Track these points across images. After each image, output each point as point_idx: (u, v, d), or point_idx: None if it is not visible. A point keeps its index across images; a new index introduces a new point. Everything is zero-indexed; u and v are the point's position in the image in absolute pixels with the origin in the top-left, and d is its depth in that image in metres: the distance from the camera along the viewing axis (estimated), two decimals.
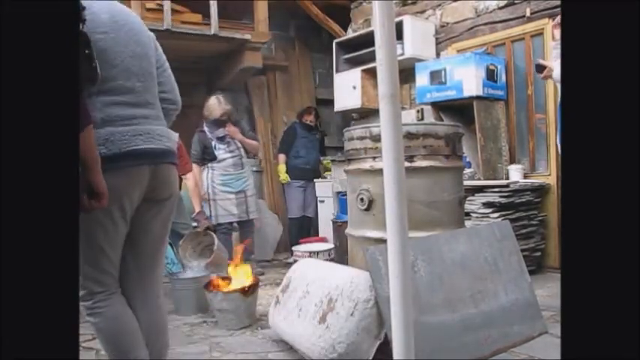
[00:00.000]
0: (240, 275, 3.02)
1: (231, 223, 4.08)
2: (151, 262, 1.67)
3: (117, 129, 1.49)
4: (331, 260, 3.63)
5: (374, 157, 2.44)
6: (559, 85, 2.97)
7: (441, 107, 4.22)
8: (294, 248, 4.11)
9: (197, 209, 3.69)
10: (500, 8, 4.12)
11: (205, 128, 4.03)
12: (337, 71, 5.15)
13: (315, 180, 5.17)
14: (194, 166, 3.96)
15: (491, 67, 3.96)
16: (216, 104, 3.95)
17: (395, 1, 4.86)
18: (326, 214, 4.97)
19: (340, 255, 3.88)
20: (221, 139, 4.03)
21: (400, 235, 1.08)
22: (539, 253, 3.78)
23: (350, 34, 5.28)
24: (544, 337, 2.33)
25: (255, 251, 4.44)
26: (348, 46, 5.08)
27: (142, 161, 1.53)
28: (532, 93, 3.97)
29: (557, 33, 3.52)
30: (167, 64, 1.78)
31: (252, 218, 4.16)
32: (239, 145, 4.10)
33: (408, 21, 4.42)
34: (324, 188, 5.03)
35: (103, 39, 1.50)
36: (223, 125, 3.97)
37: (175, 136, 3.73)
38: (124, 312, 1.57)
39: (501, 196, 3.52)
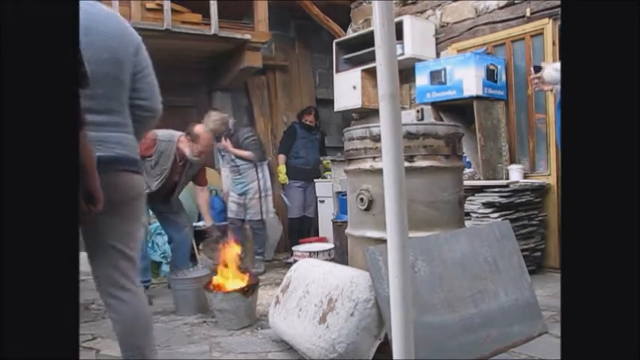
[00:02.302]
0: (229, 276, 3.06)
1: (239, 219, 4.46)
2: (101, 258, 1.66)
3: None
4: (331, 260, 3.62)
5: (374, 157, 2.44)
6: (556, 88, 2.96)
7: (441, 107, 4.22)
8: (294, 248, 4.11)
9: (208, 224, 3.87)
10: (500, 8, 4.12)
11: None
12: (337, 71, 5.15)
13: (315, 180, 5.17)
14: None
15: (491, 67, 3.96)
16: (205, 122, 4.04)
17: (395, 1, 4.86)
18: (326, 214, 4.96)
19: (340, 255, 3.88)
20: (220, 151, 4.49)
21: (400, 235, 1.08)
22: (539, 253, 3.78)
23: (350, 34, 5.28)
24: (544, 337, 2.33)
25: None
26: (348, 46, 5.08)
27: None
28: (532, 93, 3.97)
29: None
30: (149, 70, 1.75)
31: (250, 219, 4.43)
32: (233, 156, 4.43)
33: (408, 21, 4.42)
34: (324, 188, 5.03)
35: None
36: (219, 140, 4.34)
37: (176, 135, 3.69)
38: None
39: (501, 196, 3.52)
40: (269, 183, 4.52)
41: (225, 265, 3.08)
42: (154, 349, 1.70)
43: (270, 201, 4.52)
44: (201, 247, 3.79)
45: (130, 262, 1.69)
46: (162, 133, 3.53)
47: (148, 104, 1.75)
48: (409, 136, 2.40)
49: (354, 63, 5.02)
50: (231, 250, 3.17)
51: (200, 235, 4.14)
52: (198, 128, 3.54)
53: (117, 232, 1.66)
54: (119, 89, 1.65)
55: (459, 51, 4.37)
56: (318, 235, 5.08)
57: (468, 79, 3.87)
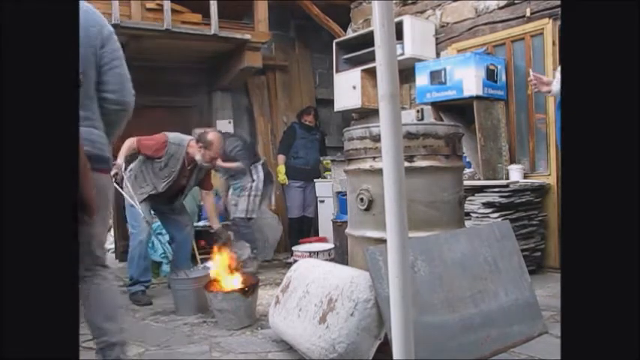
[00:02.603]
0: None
1: (242, 219, 4.51)
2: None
3: None
4: (331, 260, 3.62)
5: (374, 157, 2.44)
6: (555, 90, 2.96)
7: (441, 107, 4.22)
8: (294, 248, 4.11)
9: (215, 227, 3.91)
10: (500, 8, 4.12)
11: None
12: (337, 71, 5.15)
13: (315, 180, 5.17)
14: None
15: (491, 67, 3.96)
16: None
17: (395, 1, 4.86)
18: (326, 214, 4.96)
19: (340, 255, 3.88)
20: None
21: (400, 235, 1.08)
22: (539, 253, 3.78)
23: (350, 34, 5.28)
24: (544, 337, 2.33)
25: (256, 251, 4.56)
26: (348, 46, 5.08)
27: None
28: (532, 93, 3.97)
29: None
30: (118, 62, 1.71)
31: (237, 217, 4.50)
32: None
33: (408, 21, 4.42)
34: (324, 188, 5.03)
35: None
36: None
37: (186, 140, 3.71)
38: None
39: (501, 196, 3.52)
40: (261, 184, 4.54)
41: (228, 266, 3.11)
42: (121, 334, 1.76)
43: (257, 202, 4.54)
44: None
45: (97, 259, 1.72)
46: (173, 136, 3.57)
47: (116, 97, 1.71)
48: (409, 136, 2.40)
49: (354, 63, 5.02)
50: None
51: (201, 234, 4.16)
52: (211, 135, 3.56)
53: (84, 234, 1.62)
54: (85, 82, 1.61)
55: (459, 51, 4.37)
56: (318, 235, 5.08)
57: (468, 79, 3.87)
